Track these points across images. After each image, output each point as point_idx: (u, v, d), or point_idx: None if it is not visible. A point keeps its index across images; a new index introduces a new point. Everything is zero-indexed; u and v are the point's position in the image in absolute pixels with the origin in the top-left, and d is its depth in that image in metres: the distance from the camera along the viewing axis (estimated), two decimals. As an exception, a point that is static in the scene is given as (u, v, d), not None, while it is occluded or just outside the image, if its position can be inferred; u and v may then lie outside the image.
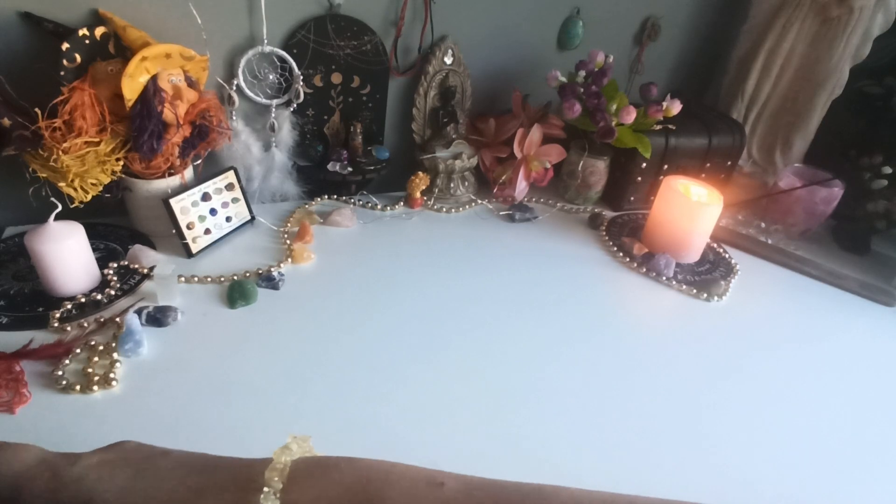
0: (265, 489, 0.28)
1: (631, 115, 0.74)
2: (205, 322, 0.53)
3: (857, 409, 0.46)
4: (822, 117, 0.87)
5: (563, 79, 0.77)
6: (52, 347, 0.47)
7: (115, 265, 0.57)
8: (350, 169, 0.74)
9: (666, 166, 0.81)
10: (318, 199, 0.76)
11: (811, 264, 0.75)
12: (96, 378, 0.44)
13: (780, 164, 0.90)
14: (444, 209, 0.78)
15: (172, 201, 0.59)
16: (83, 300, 0.52)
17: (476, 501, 0.26)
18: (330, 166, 0.74)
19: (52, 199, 0.51)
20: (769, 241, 0.79)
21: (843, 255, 0.79)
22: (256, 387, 0.47)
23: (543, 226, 0.78)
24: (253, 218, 0.68)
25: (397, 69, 0.76)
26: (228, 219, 0.65)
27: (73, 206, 0.54)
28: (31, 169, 0.54)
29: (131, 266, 0.58)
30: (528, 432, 0.46)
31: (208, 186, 0.63)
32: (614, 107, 0.74)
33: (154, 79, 0.55)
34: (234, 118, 0.69)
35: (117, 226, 0.65)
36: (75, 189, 0.54)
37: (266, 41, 0.66)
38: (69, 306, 0.51)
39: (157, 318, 0.51)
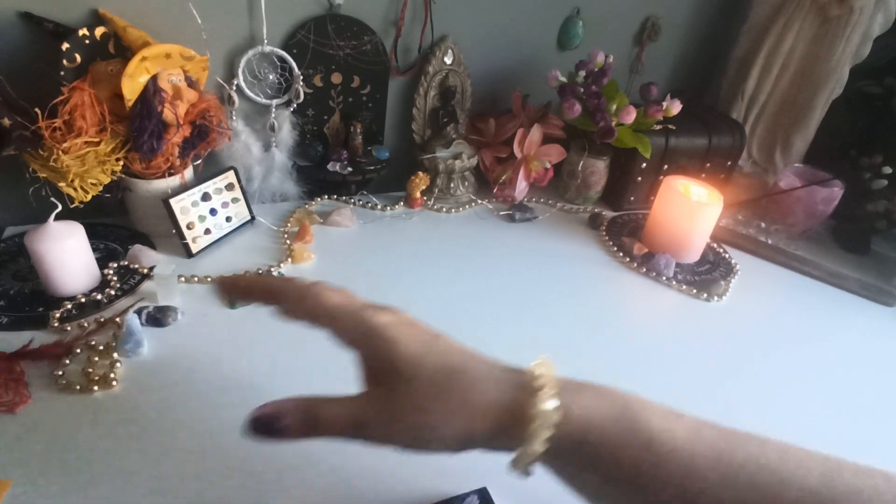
0: (544, 389, 0.29)
1: (631, 115, 0.74)
2: (205, 322, 0.53)
3: (858, 409, 0.46)
4: (822, 117, 0.87)
5: (563, 79, 0.77)
6: (52, 347, 0.47)
7: (115, 265, 0.57)
8: (350, 169, 0.74)
9: (666, 166, 0.81)
10: (318, 199, 0.76)
11: (811, 264, 0.75)
12: (96, 378, 0.44)
13: (780, 164, 0.90)
14: (444, 209, 0.78)
15: (172, 201, 0.59)
16: (83, 300, 0.52)
17: (707, 438, 0.28)
18: (330, 166, 0.74)
19: (52, 199, 0.51)
20: (769, 241, 0.79)
21: (843, 255, 0.79)
22: (257, 387, 0.47)
23: (543, 226, 0.78)
24: (253, 218, 0.68)
25: (397, 69, 0.76)
26: (228, 219, 0.66)
27: (73, 206, 0.54)
28: (31, 169, 0.54)
29: (131, 266, 0.58)
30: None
31: (208, 186, 0.63)
32: (614, 107, 0.74)
33: (154, 79, 0.55)
34: (234, 118, 0.69)
35: (117, 226, 0.65)
36: (75, 189, 0.54)
37: (266, 41, 0.66)
38: (69, 306, 0.51)
39: (157, 318, 0.51)
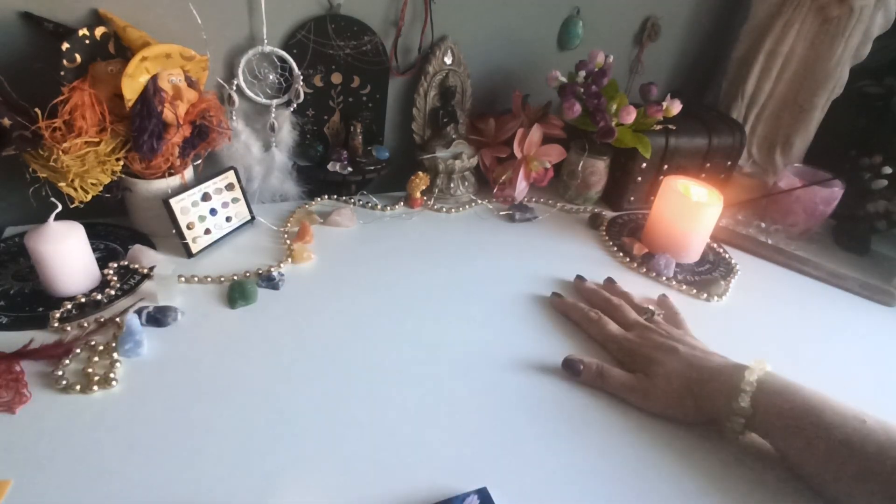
0: (744, 391, 0.43)
1: (631, 115, 0.74)
2: (205, 322, 0.53)
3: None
4: (822, 117, 0.87)
5: (563, 79, 0.77)
6: (52, 347, 0.47)
7: (115, 265, 0.57)
8: (350, 169, 0.74)
9: (666, 166, 0.81)
10: (318, 199, 0.76)
11: (811, 264, 0.75)
12: (96, 378, 0.44)
13: (780, 164, 0.90)
14: (444, 209, 0.78)
15: (172, 201, 0.59)
16: (83, 300, 0.52)
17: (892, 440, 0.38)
18: (330, 166, 0.74)
19: (52, 199, 0.51)
20: (769, 241, 0.79)
21: (843, 255, 0.79)
22: (257, 387, 0.47)
23: (543, 226, 0.78)
24: (253, 218, 0.68)
25: (397, 69, 0.76)
26: (228, 219, 0.66)
27: (73, 206, 0.54)
28: (31, 169, 0.54)
29: (131, 266, 0.58)
30: (525, 430, 0.45)
31: (208, 186, 0.63)
32: (614, 107, 0.74)
33: (154, 79, 0.55)
34: (234, 118, 0.69)
35: (117, 226, 0.65)
36: (75, 189, 0.54)
37: (266, 41, 0.66)
38: (69, 306, 0.51)
39: (157, 318, 0.51)
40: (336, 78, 0.73)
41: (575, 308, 0.58)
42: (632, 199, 0.83)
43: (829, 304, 0.69)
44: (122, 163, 0.57)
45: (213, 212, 0.63)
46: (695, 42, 0.94)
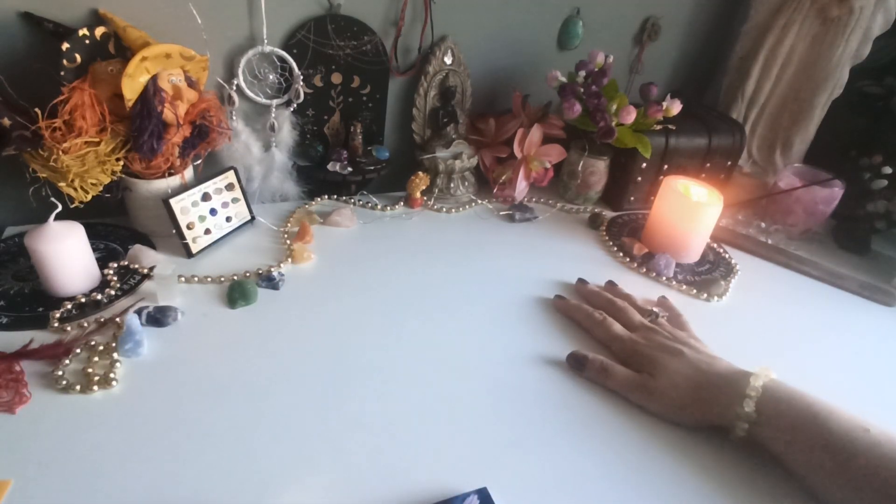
0: (749, 396, 0.43)
1: (631, 115, 0.74)
2: (205, 322, 0.53)
3: (857, 409, 0.46)
4: (822, 117, 0.87)
5: (563, 79, 0.77)
6: (52, 347, 0.47)
7: (115, 265, 0.57)
8: (350, 169, 0.74)
9: (666, 166, 0.81)
10: (318, 199, 0.76)
11: (811, 264, 0.75)
12: (96, 378, 0.44)
13: (780, 164, 0.90)
14: (444, 209, 0.78)
15: (172, 201, 0.59)
16: (83, 300, 0.52)
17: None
18: (330, 166, 0.74)
19: (52, 199, 0.51)
20: (769, 241, 0.79)
21: (843, 255, 0.79)
22: (257, 386, 0.47)
23: (543, 226, 0.78)
24: (253, 218, 0.68)
25: (397, 69, 0.76)
26: (228, 219, 0.66)
27: (73, 206, 0.54)
28: (31, 169, 0.54)
29: (131, 266, 0.58)
30: (526, 430, 0.46)
31: (208, 186, 0.63)
32: (614, 107, 0.74)
33: (154, 79, 0.55)
34: (234, 118, 0.69)
35: (117, 226, 0.65)
36: (75, 189, 0.54)
37: (266, 41, 0.66)
38: (69, 306, 0.51)
39: (157, 318, 0.51)
40: (336, 78, 0.73)
41: (579, 309, 0.58)
42: (632, 199, 0.83)
43: (829, 304, 0.69)
44: (122, 163, 0.57)
45: (213, 212, 0.63)
46: (695, 42, 0.94)
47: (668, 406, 0.47)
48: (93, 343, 0.48)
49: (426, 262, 0.66)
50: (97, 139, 0.54)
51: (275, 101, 0.70)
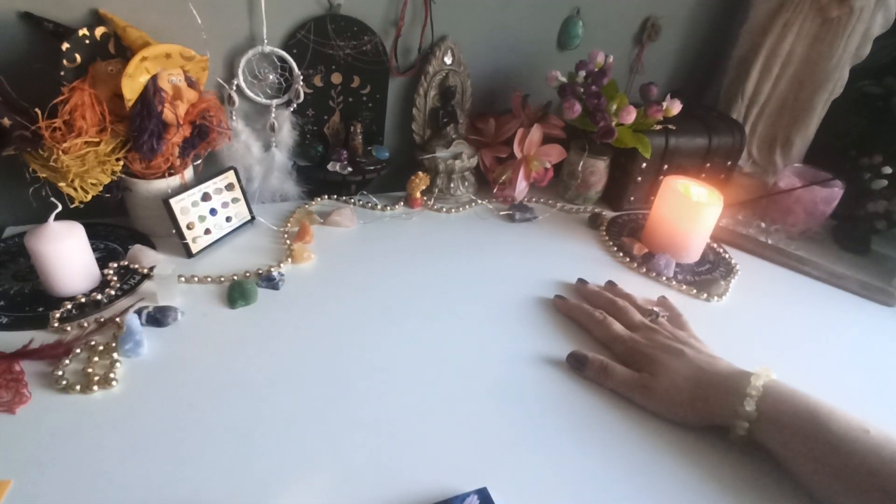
0: (750, 395, 0.43)
1: (631, 115, 0.74)
2: (205, 322, 0.53)
3: (857, 409, 0.46)
4: (822, 117, 0.87)
5: (563, 79, 0.77)
6: (52, 347, 0.47)
7: (115, 265, 0.57)
8: (350, 169, 0.74)
9: (666, 166, 0.81)
10: (318, 199, 0.76)
11: (811, 264, 0.75)
12: (96, 378, 0.44)
13: (780, 164, 0.90)
14: (444, 209, 0.78)
15: (172, 201, 0.59)
16: (83, 300, 0.52)
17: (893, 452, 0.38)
18: (330, 166, 0.74)
19: (52, 199, 0.51)
20: (769, 241, 0.79)
21: (843, 255, 0.79)
22: (256, 387, 0.47)
23: (543, 226, 0.78)
24: (253, 218, 0.68)
25: (397, 69, 0.76)
26: (228, 219, 0.66)
27: (73, 206, 0.54)
28: (31, 169, 0.54)
29: (131, 266, 0.58)
30: (526, 430, 0.45)
31: (208, 186, 0.63)
32: (614, 107, 0.74)
33: (154, 79, 0.55)
34: (234, 118, 0.69)
35: (117, 226, 0.65)
36: (75, 189, 0.54)
37: (266, 41, 0.66)
38: (69, 306, 0.51)
39: (157, 318, 0.51)
40: (336, 78, 0.73)
41: (579, 309, 0.58)
42: (632, 199, 0.83)
43: (829, 304, 0.69)
44: (122, 163, 0.57)
45: (213, 212, 0.63)
46: (695, 42, 0.94)
47: (668, 406, 0.47)
48: (93, 343, 0.48)
49: (426, 262, 0.66)
50: (97, 139, 0.54)
51: (275, 101, 0.70)
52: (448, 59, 0.76)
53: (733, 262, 0.74)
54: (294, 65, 0.69)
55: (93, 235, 0.55)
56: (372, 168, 0.76)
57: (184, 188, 0.61)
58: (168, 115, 0.57)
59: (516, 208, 0.78)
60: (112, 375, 0.45)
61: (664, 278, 0.68)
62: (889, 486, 0.37)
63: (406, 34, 0.74)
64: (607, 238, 0.76)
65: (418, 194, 0.77)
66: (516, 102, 0.81)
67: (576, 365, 0.51)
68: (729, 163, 0.84)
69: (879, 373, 0.58)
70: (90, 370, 0.45)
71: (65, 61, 0.53)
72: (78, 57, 0.53)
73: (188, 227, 0.60)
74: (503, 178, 0.79)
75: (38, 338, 0.48)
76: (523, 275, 0.66)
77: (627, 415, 0.48)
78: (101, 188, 0.56)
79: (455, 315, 0.58)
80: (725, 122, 0.84)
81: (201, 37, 0.62)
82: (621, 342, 0.53)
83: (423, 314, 0.58)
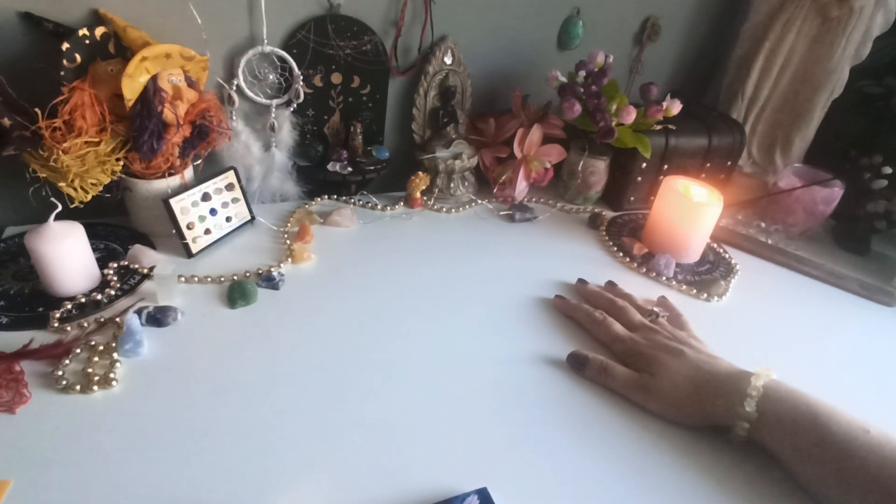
0: (750, 395, 0.43)
1: (631, 115, 0.74)
2: (205, 322, 0.53)
3: (857, 409, 0.46)
4: (822, 117, 0.87)
5: (563, 79, 0.77)
6: (52, 347, 0.47)
7: (115, 265, 0.57)
8: (350, 169, 0.74)
9: (666, 166, 0.81)
10: (318, 199, 0.76)
11: (811, 264, 0.75)
12: (96, 378, 0.44)
13: (780, 164, 0.90)
14: (444, 209, 0.78)
15: (172, 201, 0.59)
16: (83, 300, 0.52)
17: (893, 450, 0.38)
18: (330, 166, 0.74)
19: (52, 199, 0.51)
20: (769, 241, 0.79)
21: (843, 255, 0.79)
22: (256, 387, 0.47)
23: (543, 226, 0.78)
24: (253, 218, 0.68)
25: (397, 69, 0.76)
26: (228, 219, 0.66)
27: (73, 206, 0.54)
28: (31, 169, 0.54)
29: (131, 266, 0.58)
30: (526, 430, 0.46)
31: (208, 186, 0.63)
32: (614, 107, 0.74)
33: (154, 79, 0.55)
34: (234, 118, 0.69)
35: (117, 226, 0.65)
36: (75, 189, 0.54)
37: (266, 41, 0.66)
38: (69, 306, 0.51)
39: (157, 318, 0.51)
40: (336, 78, 0.73)
41: (579, 309, 0.58)
42: (632, 199, 0.83)
43: (829, 304, 0.69)
44: (122, 163, 0.57)
45: (213, 212, 0.63)
46: (695, 42, 0.94)
47: (668, 406, 0.47)
48: (93, 343, 0.48)
49: (426, 262, 0.66)
50: (97, 139, 0.54)
51: (275, 101, 0.70)
52: (448, 59, 0.76)
53: (733, 262, 0.74)
54: (294, 65, 0.69)
55: (93, 235, 0.55)
56: (372, 168, 0.76)
57: (184, 188, 0.61)
58: (168, 115, 0.57)
59: (516, 208, 0.78)
60: (112, 375, 0.45)
61: (664, 278, 0.68)
62: (889, 486, 0.37)
63: (406, 34, 0.74)
64: (607, 238, 0.76)
65: (418, 194, 0.77)
66: (516, 102, 0.81)
67: (576, 365, 0.51)
68: (729, 163, 0.84)
69: (879, 373, 0.58)
70: (90, 370, 0.45)
71: (65, 61, 0.53)
72: (78, 57, 0.53)
73: (188, 227, 0.60)
74: (503, 178, 0.79)
75: (38, 338, 0.48)
76: (523, 275, 0.66)
77: (627, 415, 0.48)
78: (101, 188, 0.56)
79: (455, 315, 0.58)
80: (725, 122, 0.84)
81: (201, 37, 0.62)
82: (621, 342, 0.53)
83: (423, 314, 0.58)
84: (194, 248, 0.61)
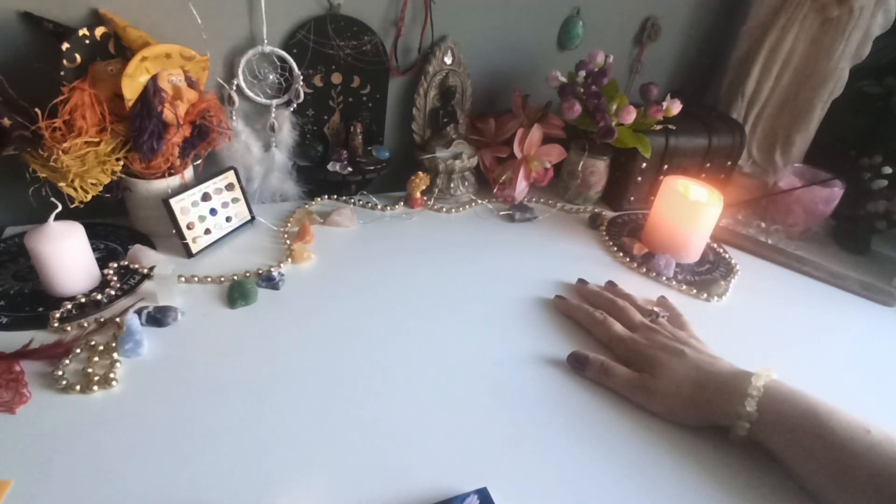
0: (751, 395, 0.43)
1: (631, 115, 0.74)
2: (205, 322, 0.53)
3: (857, 410, 0.46)
4: (822, 117, 0.87)
5: (563, 79, 0.77)
6: (52, 347, 0.47)
7: (115, 265, 0.57)
8: (350, 169, 0.74)
9: (666, 166, 0.81)
10: (318, 199, 0.76)
11: (811, 264, 0.75)
12: (96, 378, 0.44)
13: (780, 164, 0.90)
14: (444, 209, 0.78)
15: (172, 201, 0.59)
16: (83, 300, 0.52)
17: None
18: (330, 166, 0.74)
19: (52, 199, 0.51)
20: (769, 241, 0.79)
21: (843, 255, 0.79)
22: (256, 387, 0.47)
23: (543, 226, 0.78)
24: (253, 218, 0.68)
25: (397, 69, 0.76)
26: (228, 219, 0.66)
27: (73, 206, 0.54)
28: (31, 169, 0.54)
29: (131, 266, 0.58)
30: (526, 430, 0.45)
31: (208, 186, 0.63)
32: (614, 107, 0.74)
33: (154, 79, 0.55)
34: (234, 118, 0.69)
35: (117, 226, 0.65)
36: (75, 189, 0.54)
37: (266, 41, 0.66)
38: (69, 306, 0.51)
39: (157, 318, 0.51)
40: (336, 78, 0.73)
41: (579, 309, 0.58)
42: (632, 199, 0.83)
43: (829, 304, 0.69)
44: (122, 163, 0.57)
45: (213, 212, 0.63)
46: (695, 42, 0.94)
47: (668, 406, 0.47)
48: (93, 343, 0.48)
49: (426, 262, 0.66)
50: (97, 139, 0.54)
51: (275, 101, 0.70)
52: (448, 59, 0.76)
53: (733, 262, 0.74)
54: (294, 65, 0.69)
55: (93, 235, 0.55)
56: (372, 168, 0.76)
57: (184, 188, 0.61)
58: (168, 115, 0.57)
59: (516, 208, 0.78)
60: (112, 375, 0.45)
61: (664, 278, 0.68)
62: (890, 486, 0.37)
63: (406, 34, 0.74)
64: (607, 238, 0.76)
65: (418, 194, 0.77)
66: (516, 102, 0.81)
67: (576, 365, 0.51)
68: (729, 163, 0.84)
69: (879, 373, 0.58)
70: (90, 370, 0.45)
71: (65, 61, 0.53)
72: (78, 57, 0.53)
73: (188, 227, 0.60)
74: (503, 178, 0.79)
75: (38, 338, 0.48)
76: (523, 275, 0.66)
77: (627, 415, 0.48)
78: (101, 188, 0.56)
79: (455, 315, 0.58)
80: (725, 122, 0.84)
81: (201, 37, 0.62)
82: (621, 342, 0.53)
83: (423, 314, 0.58)
84: (194, 248, 0.61)
